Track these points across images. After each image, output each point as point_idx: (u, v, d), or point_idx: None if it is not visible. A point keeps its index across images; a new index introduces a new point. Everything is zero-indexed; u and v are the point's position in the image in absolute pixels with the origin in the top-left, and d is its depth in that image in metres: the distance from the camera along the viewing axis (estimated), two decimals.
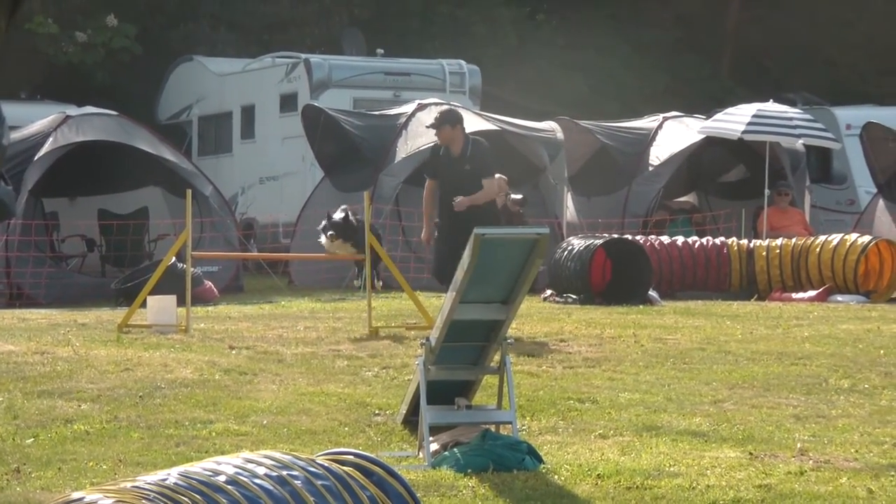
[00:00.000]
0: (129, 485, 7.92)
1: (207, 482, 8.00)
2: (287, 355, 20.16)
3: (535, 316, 24.84)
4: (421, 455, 13.71)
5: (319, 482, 8.19)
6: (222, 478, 8.06)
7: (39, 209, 32.44)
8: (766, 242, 31.30)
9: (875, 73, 57.21)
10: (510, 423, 14.03)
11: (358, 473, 8.40)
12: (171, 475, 8.08)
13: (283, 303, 28.50)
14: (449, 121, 19.36)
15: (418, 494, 8.81)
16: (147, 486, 7.84)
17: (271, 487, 8.04)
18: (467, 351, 14.43)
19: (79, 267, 34.11)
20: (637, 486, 12.52)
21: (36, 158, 30.33)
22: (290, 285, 33.32)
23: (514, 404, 14.18)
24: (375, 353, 20.42)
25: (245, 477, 8.10)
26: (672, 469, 13.18)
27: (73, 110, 32.77)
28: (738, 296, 29.76)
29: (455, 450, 13.38)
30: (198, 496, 7.80)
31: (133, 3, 48.21)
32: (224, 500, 7.83)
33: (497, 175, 28.02)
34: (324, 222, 12.46)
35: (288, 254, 34.19)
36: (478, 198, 20.76)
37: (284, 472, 8.19)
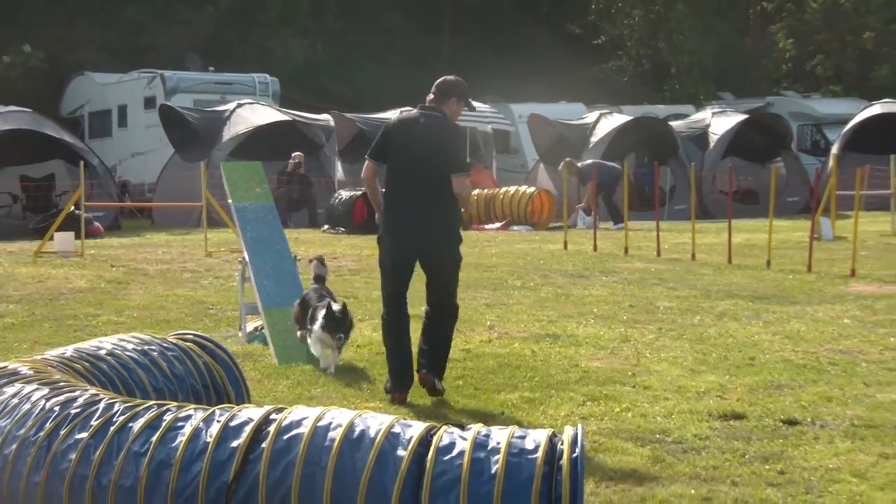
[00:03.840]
0: (39, 357, 7.78)
1: (93, 354, 7.89)
2: (150, 270, 19.98)
3: (317, 242, 24.77)
4: (240, 335, 13.62)
5: (170, 353, 8.10)
6: (103, 351, 7.96)
7: None
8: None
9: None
10: None
11: (196, 347, 8.30)
12: (69, 350, 7.97)
13: (147, 236, 28.22)
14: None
15: (239, 363, 8.74)
16: (51, 358, 7.71)
17: (137, 357, 7.94)
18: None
19: (7, 214, 33.78)
20: (381, 353, 12.53)
21: None
22: (152, 225, 32.96)
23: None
24: (210, 268, 20.28)
25: (119, 350, 7.99)
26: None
27: (1, 109, 32.34)
28: None
29: (263, 331, 13.27)
30: (86, 363, 7.68)
31: (42, 36, 47.70)
32: (104, 366, 7.72)
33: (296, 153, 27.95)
34: (322, 311, 10.80)
35: (150, 203, 33.83)
36: None
37: (146, 347, 8.09)
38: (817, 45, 59.83)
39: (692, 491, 8.01)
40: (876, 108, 39.27)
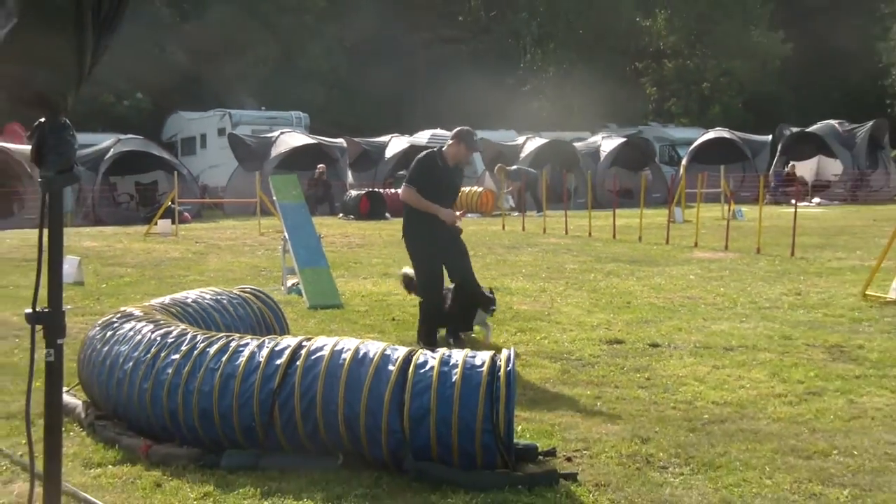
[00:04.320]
0: (147, 303, 7.72)
1: (182, 301, 7.83)
2: (222, 245, 19.83)
3: (333, 225, 24.64)
4: (282, 288, 13.55)
5: (235, 301, 8.05)
6: (189, 299, 7.90)
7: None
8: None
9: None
10: (323, 267, 13.90)
11: (252, 297, 8.25)
12: (166, 299, 7.89)
13: (220, 222, 28.04)
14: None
15: (282, 307, 8.67)
16: (155, 304, 7.64)
17: (213, 303, 7.88)
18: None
19: (126, 207, 33.52)
20: (380, 300, 12.47)
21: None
22: (224, 214, 32.75)
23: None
24: (262, 244, 20.16)
25: (200, 299, 7.94)
26: (395, 292, 13.16)
27: (122, 136, 32.25)
28: None
29: (299, 285, 13.21)
30: (178, 308, 7.63)
31: (149, 85, 47.37)
32: (190, 310, 7.67)
33: (320, 165, 27.66)
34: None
35: (222, 199, 33.58)
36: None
37: (219, 297, 8.04)
38: (672, 91, 59.90)
39: (588, 392, 8.01)
40: (711, 134, 39.43)
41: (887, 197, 32.98)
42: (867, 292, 12.41)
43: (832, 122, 37.00)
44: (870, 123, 35.57)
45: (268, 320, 8.09)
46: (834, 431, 6.87)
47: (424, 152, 9.89)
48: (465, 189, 31.33)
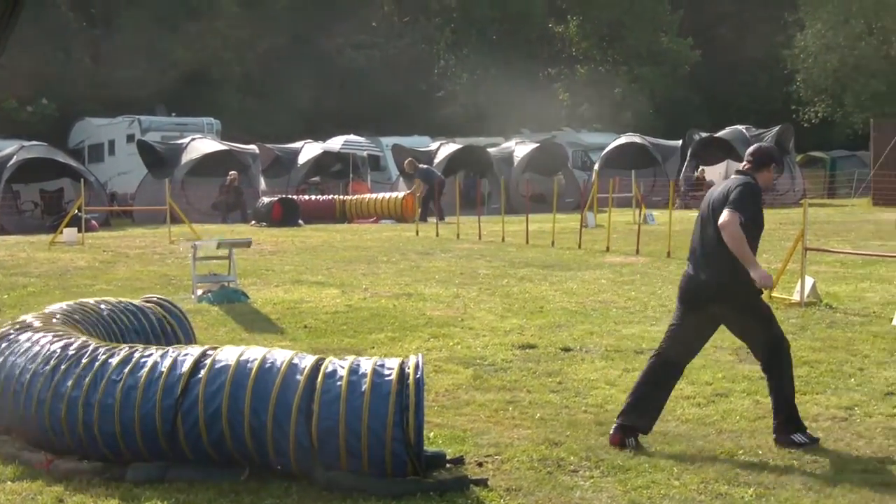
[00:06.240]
0: (46, 310, 7.57)
1: (82, 307, 7.68)
2: (131, 254, 19.49)
3: (246, 233, 24.39)
4: (192, 297, 13.38)
5: (135, 310, 7.94)
6: (89, 306, 7.75)
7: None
8: (354, 197, 31.12)
9: None
10: (233, 281, 13.77)
11: (156, 307, 8.14)
12: (64, 305, 7.74)
13: (129, 230, 27.59)
14: None
15: (189, 317, 8.56)
16: (56, 310, 7.50)
17: (114, 312, 7.76)
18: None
19: (31, 216, 32.76)
20: (292, 308, 12.39)
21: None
22: (132, 222, 32.19)
23: (235, 272, 13.96)
24: (172, 252, 19.88)
25: (102, 307, 7.80)
26: (307, 299, 13.09)
27: (26, 143, 31.58)
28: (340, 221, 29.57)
29: (209, 294, 13.06)
30: (77, 314, 7.48)
31: (55, 91, 46.48)
32: (92, 318, 7.53)
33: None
34: None
35: (131, 207, 33.00)
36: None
37: (121, 306, 7.91)
38: (584, 97, 60.48)
39: (500, 397, 8.04)
40: (622, 139, 39.88)
41: (793, 200, 33.66)
42: (773, 294, 12.64)
43: (740, 127, 37.71)
44: (776, 129, 36.32)
45: (169, 329, 7.95)
46: (740, 432, 6.99)
47: (744, 178, 6.98)
48: (385, 195, 31.26)
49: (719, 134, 37.43)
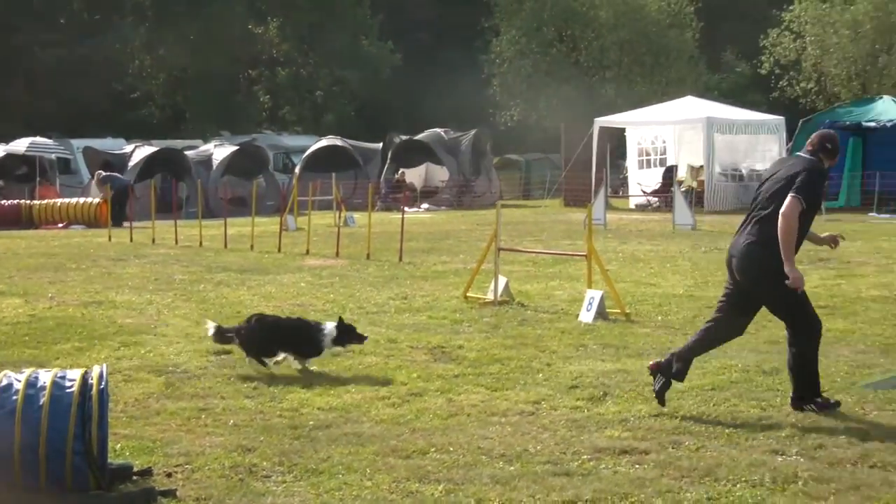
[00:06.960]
0: None
1: None
2: None
3: None
4: None
5: None
6: None
7: None
8: (41, 202, 29.60)
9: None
10: None
11: None
12: None
13: None
14: None
15: None
16: None
17: None
18: None
19: None
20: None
21: None
22: None
23: None
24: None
25: None
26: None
27: None
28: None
29: None
30: None
31: None
32: None
33: None
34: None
35: None
36: None
37: None
38: (285, 99, 60.43)
39: (193, 404, 7.92)
40: (324, 142, 40.16)
41: (489, 202, 34.90)
42: (468, 294, 13.08)
43: (438, 130, 38.77)
44: (472, 132, 37.63)
45: None
46: (433, 430, 7.18)
47: (813, 161, 7.26)
48: (77, 200, 30.00)
49: (419, 137, 38.34)
